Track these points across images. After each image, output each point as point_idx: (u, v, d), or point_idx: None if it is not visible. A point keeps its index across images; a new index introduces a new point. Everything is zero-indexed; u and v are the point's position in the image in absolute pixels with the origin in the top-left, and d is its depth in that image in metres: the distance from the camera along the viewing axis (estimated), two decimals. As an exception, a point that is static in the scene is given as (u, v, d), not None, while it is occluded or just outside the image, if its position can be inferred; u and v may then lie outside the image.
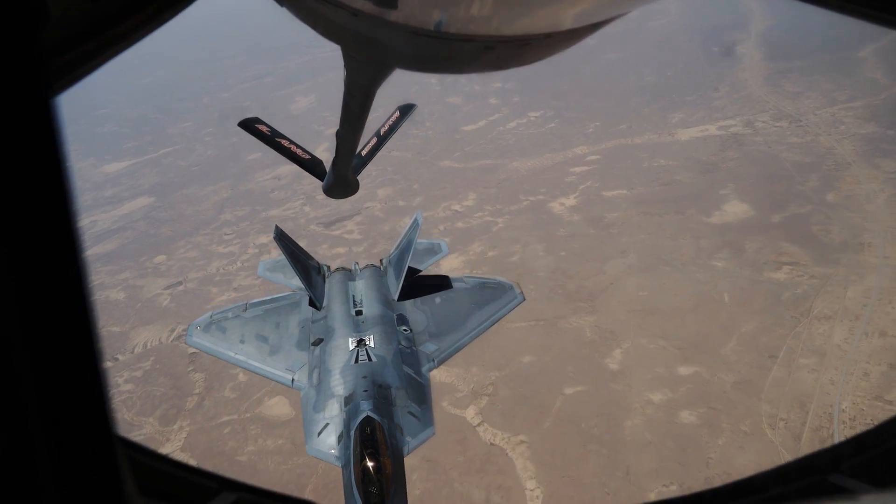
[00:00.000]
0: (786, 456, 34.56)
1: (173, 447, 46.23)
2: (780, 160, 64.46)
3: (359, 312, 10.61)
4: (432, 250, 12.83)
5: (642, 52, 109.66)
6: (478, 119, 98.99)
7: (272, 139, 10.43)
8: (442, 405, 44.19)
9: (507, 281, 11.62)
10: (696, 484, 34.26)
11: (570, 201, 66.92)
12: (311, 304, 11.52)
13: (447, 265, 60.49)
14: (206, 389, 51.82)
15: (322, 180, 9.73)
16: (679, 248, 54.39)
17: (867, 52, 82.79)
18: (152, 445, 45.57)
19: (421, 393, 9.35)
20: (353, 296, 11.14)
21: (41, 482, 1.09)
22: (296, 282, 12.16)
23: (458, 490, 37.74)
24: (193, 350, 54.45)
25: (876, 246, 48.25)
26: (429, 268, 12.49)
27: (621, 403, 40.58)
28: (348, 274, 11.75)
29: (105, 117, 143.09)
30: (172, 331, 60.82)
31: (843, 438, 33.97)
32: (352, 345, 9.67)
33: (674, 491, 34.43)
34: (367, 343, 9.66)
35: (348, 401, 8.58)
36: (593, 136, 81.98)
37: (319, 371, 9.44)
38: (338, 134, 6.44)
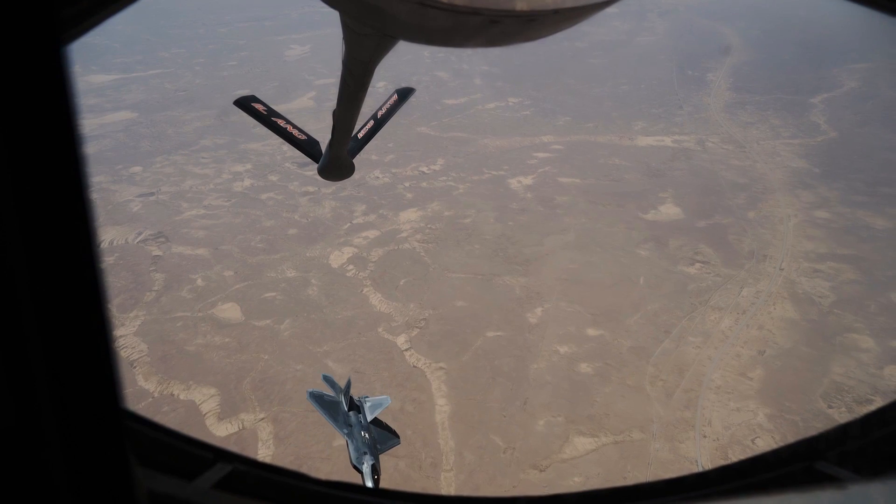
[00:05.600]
0: (657, 407, 41.09)
1: (126, 331, 50.25)
2: (718, 177, 71.36)
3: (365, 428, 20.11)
4: (381, 404, 21.33)
5: (624, 63, 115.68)
6: (460, 95, 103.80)
7: (268, 118, 10.61)
8: (377, 330, 49.56)
9: (396, 433, 21.04)
10: (579, 417, 40.56)
11: (528, 181, 72.80)
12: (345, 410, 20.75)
13: (406, 217, 65.87)
14: (165, 288, 55.82)
15: (317, 161, 10.25)
16: (613, 234, 60.72)
17: (818, 100, 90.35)
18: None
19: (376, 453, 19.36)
20: (362, 422, 20.25)
21: (49, 455, 1.14)
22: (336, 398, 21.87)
23: (378, 398, 43.14)
24: (158, 253, 58.65)
25: (776, 259, 55.28)
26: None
27: (532, 350, 46.50)
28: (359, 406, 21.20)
29: (96, 29, 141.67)
30: (140, 234, 64.31)
31: (701, 405, 40.64)
32: (367, 436, 19.43)
33: (561, 422, 40.60)
34: (366, 436, 19.30)
35: (365, 454, 18.91)
36: (561, 128, 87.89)
37: (354, 440, 19.43)
38: (335, 113, 6.36)
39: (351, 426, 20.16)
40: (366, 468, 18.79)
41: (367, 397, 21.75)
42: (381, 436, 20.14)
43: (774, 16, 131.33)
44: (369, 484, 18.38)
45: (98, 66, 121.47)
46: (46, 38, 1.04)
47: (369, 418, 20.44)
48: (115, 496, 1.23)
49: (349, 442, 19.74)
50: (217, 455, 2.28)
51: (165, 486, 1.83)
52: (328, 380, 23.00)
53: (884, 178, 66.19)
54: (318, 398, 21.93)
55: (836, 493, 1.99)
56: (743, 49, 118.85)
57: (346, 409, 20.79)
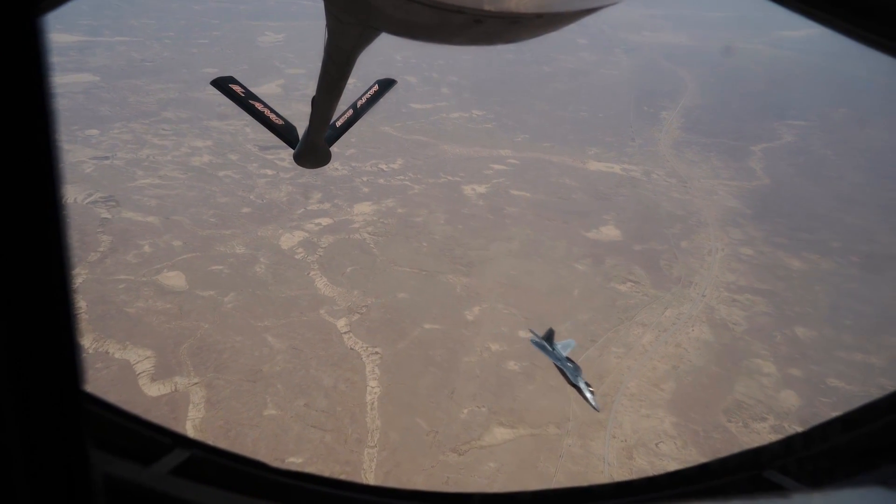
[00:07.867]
0: (574, 407, 43.87)
1: (65, 288, 49.73)
2: (658, 207, 75.82)
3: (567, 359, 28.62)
4: (568, 345, 29.63)
5: (586, 91, 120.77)
6: (427, 101, 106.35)
7: (245, 101, 10.26)
8: (319, 312, 50.93)
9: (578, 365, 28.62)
10: (502, 409, 42.97)
11: (481, 189, 75.68)
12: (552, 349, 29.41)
13: (360, 210, 67.51)
14: (111, 250, 55.69)
15: (294, 147, 10.03)
16: (555, 247, 63.97)
17: (758, 149, 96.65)
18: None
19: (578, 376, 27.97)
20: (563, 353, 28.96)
21: (5, 436, 1.10)
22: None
23: (312, 374, 44.57)
24: (107, 216, 58.43)
25: (700, 286, 59.44)
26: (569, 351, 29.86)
27: (466, 345, 48.80)
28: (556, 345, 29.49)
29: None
30: (90, 195, 63.71)
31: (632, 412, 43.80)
32: (571, 365, 28.01)
33: (484, 412, 42.90)
34: (570, 365, 27.97)
35: (578, 376, 27.80)
36: (519, 144, 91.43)
37: (567, 368, 27.92)
38: (314, 100, 6.28)
39: (560, 359, 28.48)
40: (582, 384, 27.35)
41: (556, 343, 29.73)
42: (574, 365, 28.65)
43: (731, 67, 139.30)
44: (588, 395, 27.18)
45: (63, 24, 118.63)
46: (20, 7, 0.99)
47: (564, 355, 28.83)
48: (71, 479, 1.23)
49: (564, 369, 28.07)
50: (175, 440, 2.25)
51: (122, 470, 1.81)
52: (532, 331, 33.22)
53: (805, 225, 71.79)
54: (535, 342, 30.64)
55: (781, 501, 2.00)
56: (697, 92, 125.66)
57: (551, 348, 29.02)
